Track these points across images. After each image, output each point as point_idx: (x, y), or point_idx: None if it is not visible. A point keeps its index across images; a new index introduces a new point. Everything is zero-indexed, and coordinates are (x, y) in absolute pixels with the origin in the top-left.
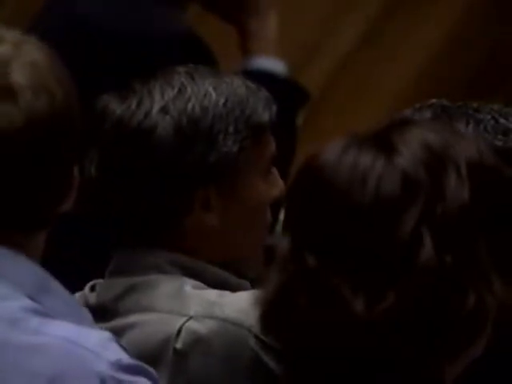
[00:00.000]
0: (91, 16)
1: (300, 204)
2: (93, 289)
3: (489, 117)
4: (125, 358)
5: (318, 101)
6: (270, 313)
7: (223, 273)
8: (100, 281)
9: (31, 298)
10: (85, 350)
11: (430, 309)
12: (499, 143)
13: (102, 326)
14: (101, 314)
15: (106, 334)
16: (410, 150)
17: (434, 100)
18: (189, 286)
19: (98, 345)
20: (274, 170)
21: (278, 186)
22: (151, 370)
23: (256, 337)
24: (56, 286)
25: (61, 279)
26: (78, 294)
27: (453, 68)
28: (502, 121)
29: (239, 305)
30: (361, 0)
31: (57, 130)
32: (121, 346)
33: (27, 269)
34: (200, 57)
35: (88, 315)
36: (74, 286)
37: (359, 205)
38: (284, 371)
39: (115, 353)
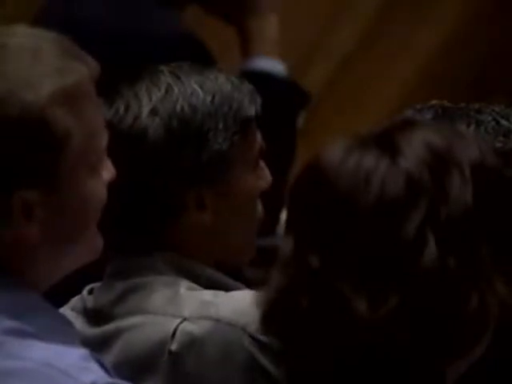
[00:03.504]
0: (91, 16)
1: (303, 205)
2: (91, 292)
3: (490, 118)
4: (101, 378)
5: (318, 101)
6: (271, 313)
7: (219, 275)
8: (98, 284)
9: (14, 317)
10: (60, 373)
11: (433, 310)
12: (499, 145)
13: (99, 330)
14: (98, 317)
15: (85, 353)
16: (413, 151)
17: (434, 101)
18: (183, 287)
19: (74, 366)
20: (262, 163)
21: (265, 178)
22: None
23: (251, 336)
24: (40, 302)
25: (60, 284)
26: (76, 298)
27: (453, 68)
28: (503, 122)
29: (234, 304)
30: (361, 0)
31: None
32: (100, 363)
33: (7, 288)
34: (199, 57)
35: (74, 330)
36: (73, 290)
37: (363, 206)
38: (284, 371)
39: (91, 373)
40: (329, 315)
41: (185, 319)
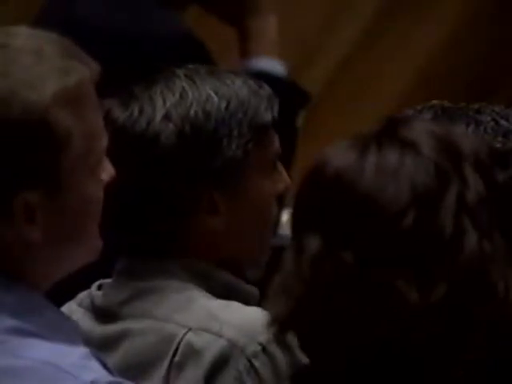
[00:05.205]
0: (91, 16)
1: (325, 208)
2: (99, 288)
3: (489, 118)
4: (102, 377)
5: (318, 101)
6: (300, 310)
7: (232, 278)
8: (107, 281)
9: (15, 316)
10: (62, 371)
11: (473, 296)
12: (498, 145)
13: (106, 329)
14: (106, 315)
15: (86, 352)
16: (425, 141)
17: (434, 101)
18: (195, 295)
19: (75, 365)
20: (279, 165)
21: (283, 180)
22: None
23: (247, 359)
24: (41, 301)
25: (61, 283)
26: (83, 293)
27: (453, 68)
28: (502, 122)
29: (239, 321)
30: (361, 0)
31: None
32: (101, 361)
33: (9, 288)
34: (199, 58)
35: (76, 328)
36: (74, 289)
37: (396, 202)
38: (313, 365)
39: (92, 372)
40: (376, 307)
41: (190, 329)
